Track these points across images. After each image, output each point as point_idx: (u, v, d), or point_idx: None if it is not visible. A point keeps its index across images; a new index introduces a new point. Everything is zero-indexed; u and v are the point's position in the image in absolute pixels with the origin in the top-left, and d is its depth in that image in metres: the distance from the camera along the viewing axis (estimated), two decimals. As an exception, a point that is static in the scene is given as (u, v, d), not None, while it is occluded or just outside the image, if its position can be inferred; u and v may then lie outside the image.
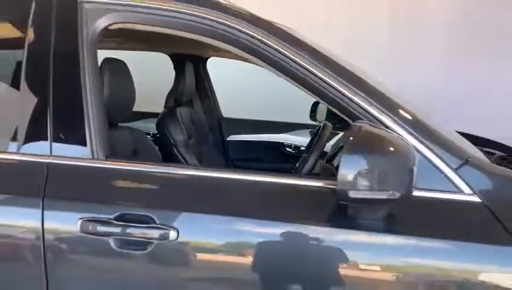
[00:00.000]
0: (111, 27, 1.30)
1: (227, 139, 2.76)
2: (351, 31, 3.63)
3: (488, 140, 1.75)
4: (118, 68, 1.57)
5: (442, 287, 1.06)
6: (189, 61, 2.47)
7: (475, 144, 1.54)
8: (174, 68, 2.56)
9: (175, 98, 2.42)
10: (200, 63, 2.65)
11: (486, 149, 1.64)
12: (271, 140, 2.72)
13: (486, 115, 3.30)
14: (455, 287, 1.06)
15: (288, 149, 2.69)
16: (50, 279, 1.11)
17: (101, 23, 1.27)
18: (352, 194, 0.92)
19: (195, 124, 2.57)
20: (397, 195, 0.92)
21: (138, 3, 1.28)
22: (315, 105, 2.52)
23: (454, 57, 3.63)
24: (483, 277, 1.03)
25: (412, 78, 3.51)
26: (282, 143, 2.70)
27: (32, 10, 1.27)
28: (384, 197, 0.93)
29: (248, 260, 1.10)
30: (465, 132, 1.80)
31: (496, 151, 1.62)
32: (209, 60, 2.69)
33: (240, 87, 3.29)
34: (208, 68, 2.74)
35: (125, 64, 1.61)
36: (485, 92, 3.48)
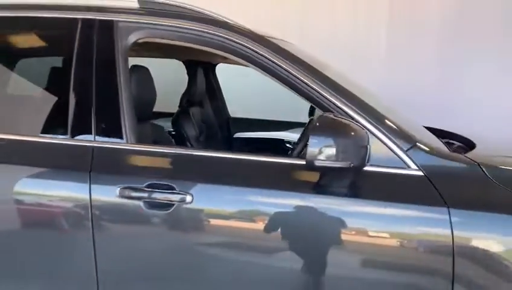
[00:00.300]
0: (139, 40, 1.66)
1: (234, 136, 3.08)
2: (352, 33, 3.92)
3: (453, 133, 2.06)
4: (143, 74, 1.92)
5: (389, 238, 1.38)
6: (201, 67, 2.82)
7: (443, 136, 1.87)
8: (187, 73, 2.88)
9: (187, 99, 2.76)
10: (209, 69, 2.97)
11: (451, 141, 1.96)
12: (273, 137, 3.02)
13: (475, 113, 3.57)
14: (399, 238, 1.38)
15: (288, 145, 2.95)
16: (96, 234, 1.46)
17: (132, 38, 1.63)
18: (317, 163, 1.26)
19: (205, 122, 2.88)
20: (351, 164, 1.26)
21: (158, 22, 1.63)
22: (313, 106, 2.82)
23: (449, 59, 3.90)
24: (420, 231, 1.37)
25: (409, 77, 3.82)
26: (283, 140, 2.96)
27: (78, 28, 1.63)
28: (340, 165, 1.26)
29: (246, 218, 1.46)
30: (449, 129, 2.13)
31: (456, 142, 1.93)
32: (217, 66, 3.03)
33: (245, 90, 3.60)
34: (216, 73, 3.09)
35: (148, 70, 1.96)
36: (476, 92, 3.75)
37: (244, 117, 3.15)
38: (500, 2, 3.74)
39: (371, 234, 1.39)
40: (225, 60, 2.84)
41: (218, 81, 3.08)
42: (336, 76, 1.57)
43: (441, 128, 2.12)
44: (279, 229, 1.42)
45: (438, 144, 1.64)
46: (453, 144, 1.90)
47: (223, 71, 3.08)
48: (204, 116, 2.90)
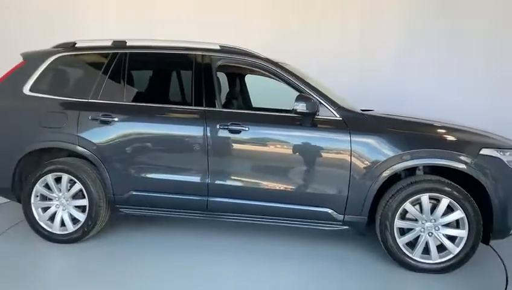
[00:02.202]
0: (221, 64, 3.75)
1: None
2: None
3: (371, 109, 4.11)
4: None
5: (326, 148, 3.43)
6: (237, 77, 4.92)
7: (367, 110, 3.91)
8: (228, 81, 4.97)
9: (230, 95, 4.85)
10: (242, 78, 5.06)
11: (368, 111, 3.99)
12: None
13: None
14: (331, 146, 3.43)
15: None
16: (208, 147, 3.53)
17: (218, 63, 3.73)
18: (297, 110, 3.35)
19: (239, 109, 4.96)
20: (310, 112, 3.34)
21: (229, 56, 3.73)
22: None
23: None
24: (339, 143, 3.40)
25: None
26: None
27: (194, 58, 3.74)
28: (306, 111, 3.33)
29: (269, 138, 3.53)
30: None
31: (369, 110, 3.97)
32: (246, 76, 5.11)
33: (263, 90, 5.68)
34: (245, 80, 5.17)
35: (218, 78, 4.05)
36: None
37: (261, 106, 5.19)
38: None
39: (320, 145, 3.46)
40: (251, 73, 4.94)
41: (246, 85, 5.15)
42: (308, 78, 3.67)
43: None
44: (281, 143, 3.51)
45: (353, 108, 3.67)
46: (366, 111, 3.93)
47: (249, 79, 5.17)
48: (239, 106, 4.96)
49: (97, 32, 5.55)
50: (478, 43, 5.56)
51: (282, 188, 3.52)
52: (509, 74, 5.13)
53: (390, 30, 6.08)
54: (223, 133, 3.53)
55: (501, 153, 3.29)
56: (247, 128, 3.50)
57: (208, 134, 3.54)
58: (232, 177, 3.57)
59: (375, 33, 6.11)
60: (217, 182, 3.57)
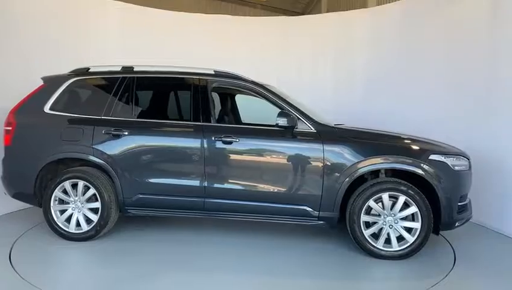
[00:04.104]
0: (214, 86, 4.46)
1: (244, 132, 5.85)
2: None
3: (341, 124, 4.83)
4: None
5: (303, 156, 4.12)
6: (228, 96, 5.62)
7: (339, 124, 4.64)
8: (220, 100, 5.67)
9: (223, 112, 5.54)
10: (233, 97, 5.76)
11: (339, 124, 4.71)
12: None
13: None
14: (308, 155, 4.12)
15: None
16: (205, 155, 4.20)
17: (213, 85, 4.44)
18: (279, 124, 4.04)
19: (230, 123, 5.64)
20: (289, 124, 4.04)
21: (221, 80, 4.45)
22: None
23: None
24: (315, 152, 4.09)
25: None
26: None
27: (193, 81, 4.43)
28: (286, 125, 4.03)
29: (256, 148, 4.22)
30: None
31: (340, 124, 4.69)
32: (236, 95, 5.81)
33: (250, 108, 6.39)
34: (235, 99, 5.88)
35: (213, 97, 4.75)
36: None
37: (249, 122, 5.89)
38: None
39: (298, 153, 4.14)
40: (240, 93, 5.65)
41: (236, 103, 5.85)
42: (288, 98, 4.38)
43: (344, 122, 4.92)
44: (266, 151, 4.20)
45: (326, 122, 4.38)
46: (338, 124, 4.64)
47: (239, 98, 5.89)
48: (230, 121, 5.65)
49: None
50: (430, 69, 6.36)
51: (267, 189, 4.18)
52: (455, 94, 5.86)
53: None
54: (218, 144, 4.20)
55: (446, 158, 4.01)
56: (237, 140, 4.18)
57: (205, 145, 4.21)
58: (225, 181, 4.22)
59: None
60: (213, 185, 4.22)
